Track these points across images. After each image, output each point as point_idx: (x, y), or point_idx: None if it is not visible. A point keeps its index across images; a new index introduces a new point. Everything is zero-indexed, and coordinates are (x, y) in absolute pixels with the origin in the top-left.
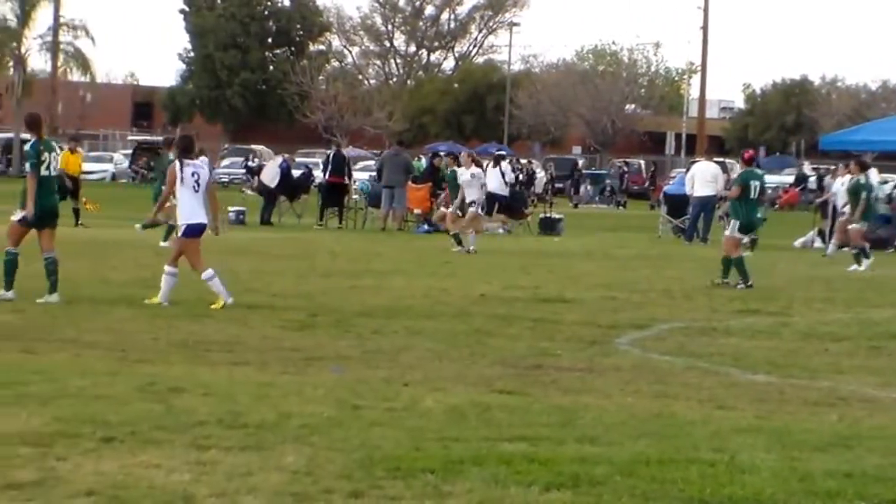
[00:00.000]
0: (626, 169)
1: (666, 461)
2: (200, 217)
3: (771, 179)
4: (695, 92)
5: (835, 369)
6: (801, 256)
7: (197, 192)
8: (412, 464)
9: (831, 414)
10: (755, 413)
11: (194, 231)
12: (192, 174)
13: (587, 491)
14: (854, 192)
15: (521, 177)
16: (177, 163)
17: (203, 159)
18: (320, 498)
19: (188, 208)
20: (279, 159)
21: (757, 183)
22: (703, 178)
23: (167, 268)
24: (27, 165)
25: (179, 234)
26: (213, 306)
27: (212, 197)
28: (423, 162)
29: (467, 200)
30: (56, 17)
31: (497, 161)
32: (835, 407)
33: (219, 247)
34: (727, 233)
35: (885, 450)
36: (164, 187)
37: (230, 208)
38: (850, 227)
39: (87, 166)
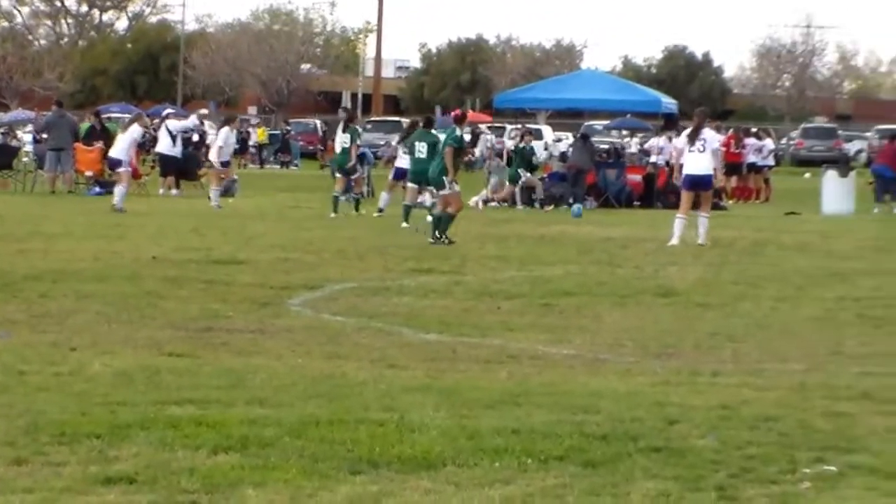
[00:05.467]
0: (289, 129)
1: (336, 422)
2: None
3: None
4: (371, 51)
5: (506, 327)
6: (475, 215)
7: None
8: (77, 429)
9: (501, 371)
10: (426, 372)
11: None
12: None
13: (256, 453)
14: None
15: (194, 137)
16: None
17: None
18: None
19: None
20: None
21: (424, 144)
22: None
23: None
24: None
25: None
26: None
27: None
28: (91, 123)
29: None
30: None
31: (162, 121)
32: (505, 364)
33: None
34: (446, 191)
35: (554, 406)
36: None
37: None
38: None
39: None
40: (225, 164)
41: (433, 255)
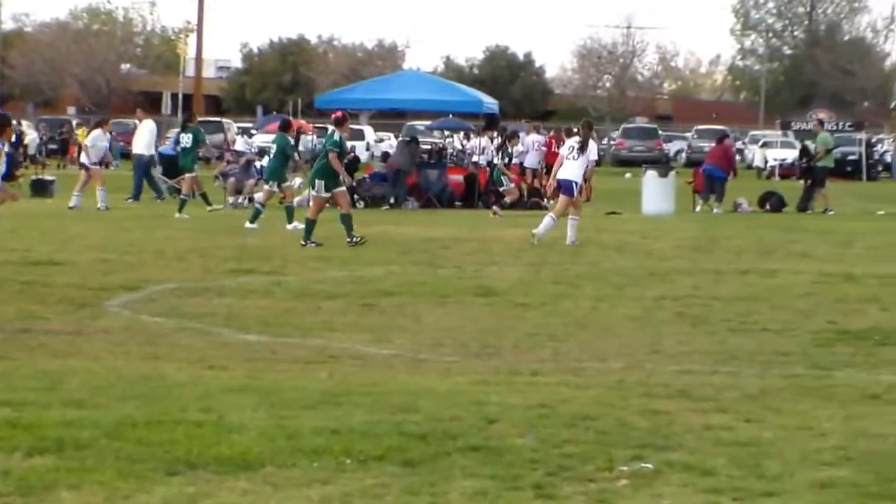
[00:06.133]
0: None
1: (153, 423)
2: None
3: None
4: (191, 51)
5: (327, 327)
6: (300, 215)
7: None
8: None
9: (322, 371)
10: (246, 373)
11: None
12: None
13: (72, 455)
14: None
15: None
16: None
17: None
18: None
19: None
20: None
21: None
22: (141, 137)
23: None
24: None
25: None
26: None
27: None
28: None
29: None
30: None
31: None
32: (325, 364)
33: None
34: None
35: (373, 405)
36: None
37: None
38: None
39: None
40: (97, 165)
41: (253, 255)
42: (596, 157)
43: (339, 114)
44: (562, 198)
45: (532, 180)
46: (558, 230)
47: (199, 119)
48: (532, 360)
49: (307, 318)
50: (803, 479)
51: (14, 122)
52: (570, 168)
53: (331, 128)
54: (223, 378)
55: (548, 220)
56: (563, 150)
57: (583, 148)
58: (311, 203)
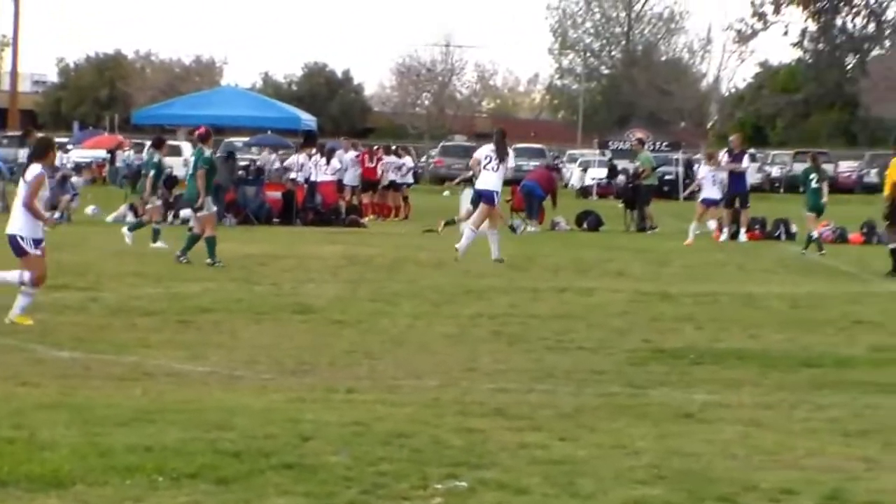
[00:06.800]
0: None
1: None
2: None
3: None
4: (6, 65)
5: (143, 344)
6: (114, 230)
7: None
8: None
9: (136, 388)
10: (59, 389)
11: None
12: None
13: None
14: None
15: None
16: None
17: None
18: None
19: None
20: None
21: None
22: None
23: None
24: None
25: None
26: None
27: None
28: None
29: None
30: None
31: None
32: (140, 381)
33: None
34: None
35: (188, 423)
36: None
37: None
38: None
39: None
40: None
41: (68, 270)
42: (513, 165)
43: (202, 130)
44: (482, 208)
45: (350, 197)
46: (370, 247)
47: (13, 134)
48: (348, 378)
49: (122, 334)
50: (617, 498)
51: None
52: (490, 178)
53: (195, 145)
54: (35, 395)
55: (468, 233)
56: (479, 160)
57: (500, 157)
58: (198, 222)
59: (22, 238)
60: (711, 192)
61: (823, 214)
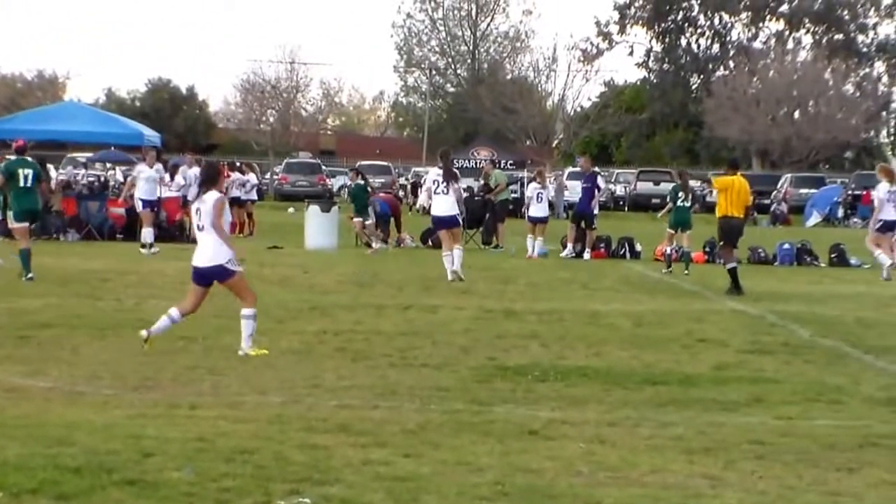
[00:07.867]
0: None
1: None
2: None
3: None
4: None
5: None
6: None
7: None
8: None
9: None
10: None
11: None
12: None
13: None
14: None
15: None
16: None
17: None
18: None
19: None
20: None
21: (29, 171)
22: None
23: None
24: None
25: None
26: None
27: None
28: None
29: None
30: None
31: None
32: None
33: None
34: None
35: (28, 438)
36: None
37: None
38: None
39: None
40: None
41: None
42: (461, 185)
43: (20, 142)
44: (455, 231)
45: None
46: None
47: None
48: (191, 394)
49: None
50: None
51: None
52: (445, 203)
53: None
54: None
55: (457, 253)
56: (429, 188)
57: (447, 179)
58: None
59: None
60: (537, 209)
61: (691, 231)
